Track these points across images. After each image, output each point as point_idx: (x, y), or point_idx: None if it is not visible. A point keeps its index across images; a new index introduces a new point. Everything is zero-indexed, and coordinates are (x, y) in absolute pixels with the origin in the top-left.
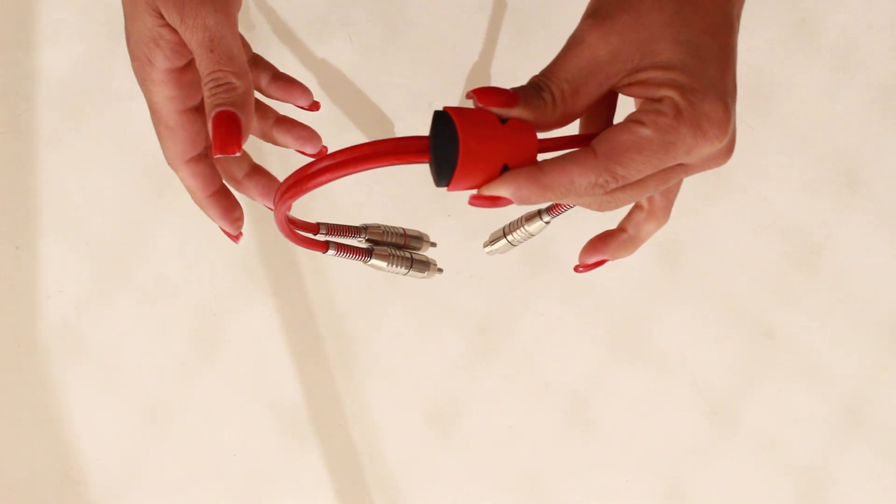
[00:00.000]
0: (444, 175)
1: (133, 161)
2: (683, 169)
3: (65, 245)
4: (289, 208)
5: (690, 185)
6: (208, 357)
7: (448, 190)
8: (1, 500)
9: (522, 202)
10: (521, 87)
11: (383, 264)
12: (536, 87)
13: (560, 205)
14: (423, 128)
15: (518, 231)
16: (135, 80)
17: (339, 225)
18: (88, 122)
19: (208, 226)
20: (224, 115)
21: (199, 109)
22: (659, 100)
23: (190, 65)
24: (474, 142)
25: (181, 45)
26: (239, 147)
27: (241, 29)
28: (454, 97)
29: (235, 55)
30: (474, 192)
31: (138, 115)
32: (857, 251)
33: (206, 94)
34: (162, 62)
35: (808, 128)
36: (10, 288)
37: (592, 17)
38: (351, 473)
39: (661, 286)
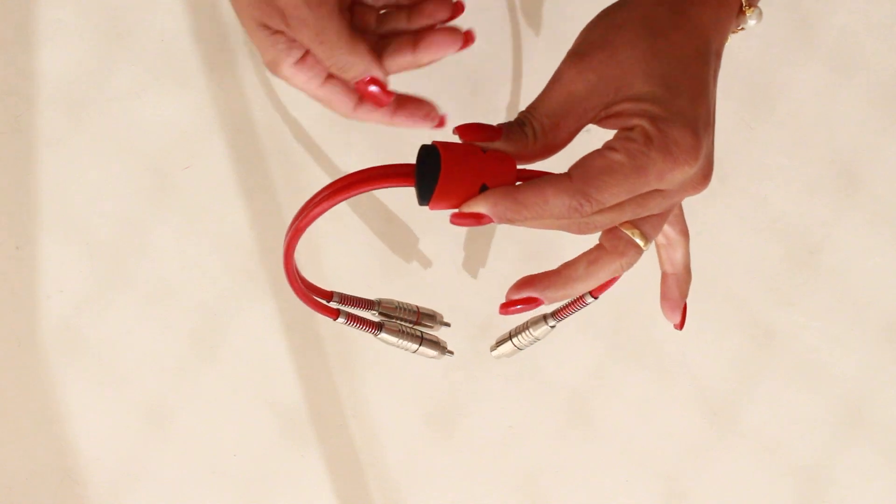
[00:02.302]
0: (425, 194)
1: (133, 161)
2: (661, 195)
3: (65, 245)
4: (294, 248)
5: None
6: (208, 357)
7: (430, 208)
8: (1, 500)
9: (500, 219)
10: (507, 123)
11: (393, 339)
12: (520, 123)
13: (565, 308)
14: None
15: (523, 334)
16: (134, 79)
17: (353, 296)
18: (88, 122)
19: (208, 226)
20: (364, 82)
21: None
22: (631, 128)
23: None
24: (454, 164)
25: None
26: (389, 96)
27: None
28: (454, 97)
29: (342, 37)
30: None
31: (138, 115)
32: (857, 251)
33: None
34: (284, 54)
35: (808, 128)
36: (10, 288)
37: (572, 56)
38: (351, 473)
39: None
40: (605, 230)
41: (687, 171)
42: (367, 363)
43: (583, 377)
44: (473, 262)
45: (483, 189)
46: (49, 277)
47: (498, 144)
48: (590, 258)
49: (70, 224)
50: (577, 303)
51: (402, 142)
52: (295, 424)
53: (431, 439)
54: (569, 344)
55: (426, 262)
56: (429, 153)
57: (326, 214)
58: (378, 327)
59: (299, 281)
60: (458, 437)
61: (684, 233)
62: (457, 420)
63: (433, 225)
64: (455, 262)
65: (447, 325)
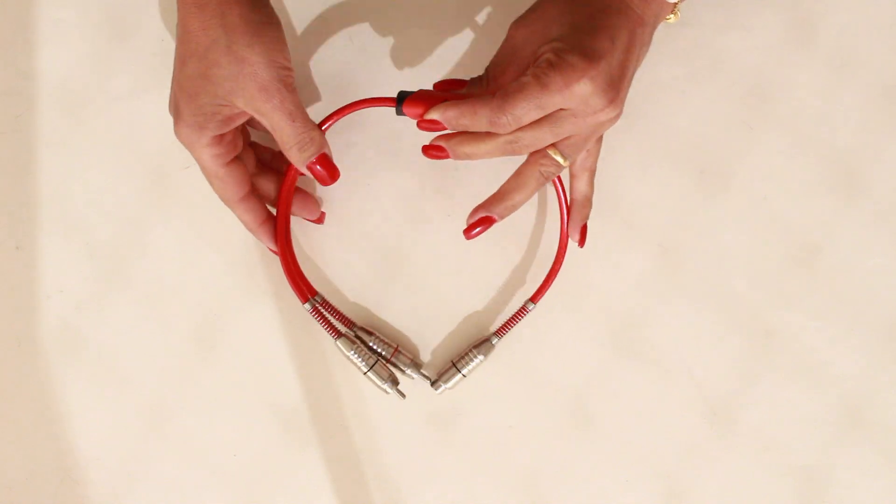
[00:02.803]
0: (399, 106)
1: (133, 161)
2: (572, 115)
3: (65, 245)
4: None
5: (690, 184)
6: (208, 357)
7: (404, 112)
8: (1, 500)
9: (448, 123)
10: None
11: (346, 352)
12: (480, 76)
13: (507, 323)
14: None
15: (467, 358)
16: (134, 79)
17: (333, 306)
18: (88, 122)
19: (208, 226)
20: (321, 157)
21: (237, 160)
22: (541, 61)
23: (231, 130)
24: (424, 91)
25: (229, 118)
26: (338, 173)
27: None
28: None
29: (307, 117)
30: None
31: (138, 115)
32: (857, 251)
33: (294, 154)
34: (213, 130)
35: (808, 128)
36: (10, 288)
37: (515, 20)
38: (351, 473)
39: (661, 286)
40: (533, 153)
41: (584, 88)
42: None
43: (583, 377)
44: (471, 262)
45: None
46: (49, 277)
47: (462, 91)
48: (517, 172)
49: (70, 224)
50: (518, 314)
51: (402, 141)
52: (295, 424)
53: (431, 439)
54: (569, 344)
55: (428, 264)
56: (409, 93)
57: (331, 230)
58: (338, 334)
59: (291, 270)
60: (458, 437)
61: (590, 170)
62: (457, 420)
63: (431, 223)
64: (453, 262)
65: (426, 377)
